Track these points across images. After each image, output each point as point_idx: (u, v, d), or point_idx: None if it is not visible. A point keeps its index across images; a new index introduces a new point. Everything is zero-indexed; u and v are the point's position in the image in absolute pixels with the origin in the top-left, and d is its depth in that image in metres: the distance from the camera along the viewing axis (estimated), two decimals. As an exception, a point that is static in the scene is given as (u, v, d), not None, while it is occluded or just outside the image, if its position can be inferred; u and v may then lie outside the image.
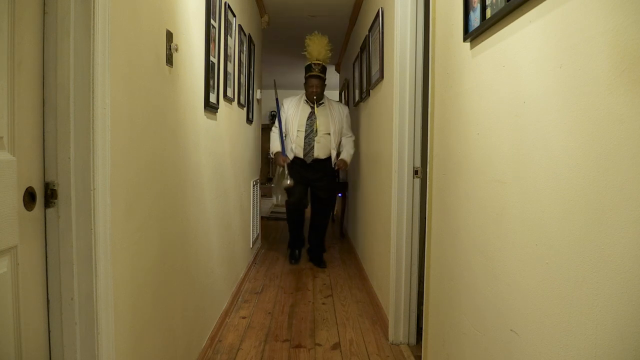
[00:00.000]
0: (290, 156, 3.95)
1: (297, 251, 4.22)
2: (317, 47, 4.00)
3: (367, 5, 3.71)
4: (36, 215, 1.08)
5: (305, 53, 4.05)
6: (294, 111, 3.98)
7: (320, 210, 4.16)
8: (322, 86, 3.98)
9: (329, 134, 3.94)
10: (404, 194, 2.39)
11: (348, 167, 4.07)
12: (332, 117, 3.97)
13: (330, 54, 4.07)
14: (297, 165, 3.98)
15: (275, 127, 4.05)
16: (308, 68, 4.00)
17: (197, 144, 2.14)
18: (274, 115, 4.34)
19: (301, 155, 3.95)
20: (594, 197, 0.78)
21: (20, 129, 1.02)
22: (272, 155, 4.07)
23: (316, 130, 3.92)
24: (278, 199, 4.23)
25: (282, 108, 4.06)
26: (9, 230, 0.98)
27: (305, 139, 3.94)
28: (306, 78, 4.00)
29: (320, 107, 3.99)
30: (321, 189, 4.04)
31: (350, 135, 4.07)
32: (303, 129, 3.94)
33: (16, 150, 1.01)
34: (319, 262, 4.09)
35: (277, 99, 4.20)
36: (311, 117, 3.96)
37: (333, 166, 3.95)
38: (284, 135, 4.00)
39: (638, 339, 0.69)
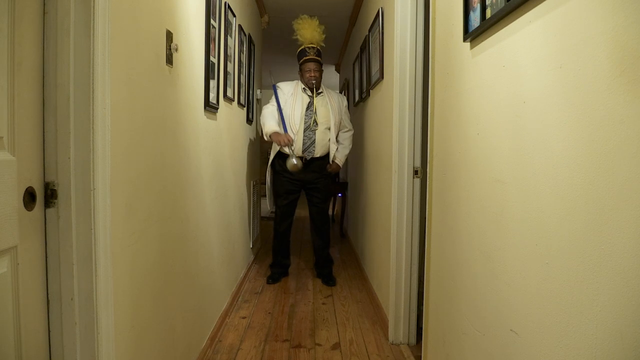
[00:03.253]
0: (288, 151, 3.36)
1: (277, 274, 3.63)
2: (310, 30, 3.52)
3: (367, 5, 3.71)
4: (36, 215, 1.08)
5: (297, 37, 3.57)
6: (292, 100, 3.44)
7: (319, 217, 3.61)
8: (320, 71, 3.49)
9: (329, 128, 3.46)
10: (404, 194, 2.39)
11: (340, 169, 3.67)
12: (332, 108, 3.48)
13: (323, 36, 3.58)
14: (286, 172, 3.41)
15: (272, 105, 3.46)
16: (302, 53, 3.51)
17: (197, 144, 2.14)
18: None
19: (299, 152, 3.41)
20: (594, 197, 0.78)
21: (20, 129, 1.02)
22: (267, 137, 3.38)
23: (316, 124, 3.42)
24: (271, 206, 3.64)
25: (280, 91, 3.49)
26: (9, 230, 0.98)
27: (305, 132, 3.41)
28: (301, 64, 3.50)
29: (319, 96, 3.48)
30: (317, 193, 3.54)
31: (348, 129, 3.63)
32: (302, 120, 3.42)
33: (16, 150, 1.01)
34: (328, 278, 3.58)
35: (274, 85, 3.60)
36: (310, 107, 3.44)
37: (330, 163, 3.53)
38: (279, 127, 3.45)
39: (638, 338, 0.69)
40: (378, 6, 3.02)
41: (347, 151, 3.62)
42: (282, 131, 3.37)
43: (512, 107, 1.10)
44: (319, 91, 3.50)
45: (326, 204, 3.66)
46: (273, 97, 3.51)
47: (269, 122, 3.37)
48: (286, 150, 3.34)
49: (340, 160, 3.57)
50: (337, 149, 3.55)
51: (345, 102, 3.66)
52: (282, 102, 3.44)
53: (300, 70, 3.53)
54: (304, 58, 3.48)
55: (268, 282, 3.53)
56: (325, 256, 3.65)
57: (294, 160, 3.27)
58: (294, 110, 3.41)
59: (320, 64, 3.51)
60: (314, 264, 3.80)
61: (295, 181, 3.47)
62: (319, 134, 3.43)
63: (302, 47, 3.54)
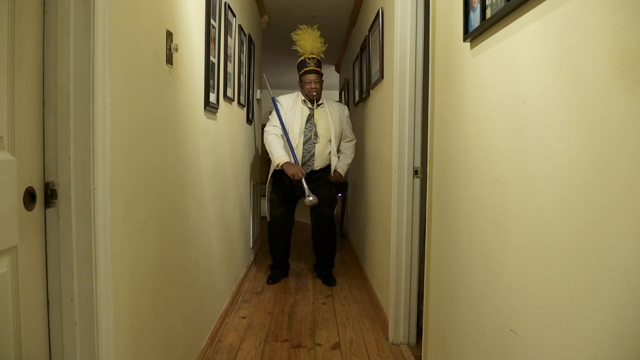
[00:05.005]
0: (304, 185, 3.32)
1: (277, 275, 3.60)
2: (310, 40, 3.49)
3: (367, 5, 3.71)
4: (36, 215, 1.08)
5: (297, 48, 3.54)
6: (291, 113, 3.41)
7: (322, 224, 3.55)
8: (321, 82, 3.45)
9: (330, 140, 3.44)
10: (404, 194, 2.39)
11: (342, 178, 3.61)
12: (333, 119, 3.45)
13: (324, 47, 3.55)
14: (287, 178, 3.37)
15: (274, 126, 3.39)
16: (302, 64, 3.47)
17: (197, 144, 2.14)
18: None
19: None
20: (593, 196, 0.78)
21: (20, 129, 1.02)
22: (278, 167, 3.31)
23: (316, 136, 3.39)
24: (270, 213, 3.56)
25: (279, 106, 3.46)
26: (9, 230, 0.98)
27: (304, 145, 3.39)
28: (301, 75, 3.46)
29: (320, 108, 3.46)
30: (320, 202, 3.41)
31: (350, 139, 3.60)
32: (302, 133, 3.40)
33: (16, 150, 1.01)
34: (328, 278, 3.57)
35: (273, 98, 3.54)
36: (310, 120, 3.41)
37: (331, 174, 3.50)
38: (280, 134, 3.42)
39: (638, 338, 0.69)
40: (378, 6, 3.02)
41: (349, 160, 3.56)
42: (291, 159, 3.34)
43: (512, 107, 1.10)
44: (319, 102, 3.46)
45: (330, 209, 3.55)
46: (274, 113, 3.43)
47: (278, 151, 3.30)
48: (303, 183, 3.27)
49: (342, 169, 3.51)
50: (339, 158, 3.52)
51: (347, 112, 3.60)
52: (282, 117, 3.40)
53: (301, 81, 3.48)
54: (305, 69, 3.43)
55: (268, 282, 3.52)
56: (327, 261, 3.64)
57: (311, 198, 3.25)
58: (293, 123, 3.37)
59: (321, 75, 3.46)
60: (314, 265, 3.80)
61: (294, 188, 3.41)
62: (319, 147, 3.39)
63: (302, 57, 3.48)
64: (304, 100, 3.46)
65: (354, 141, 3.63)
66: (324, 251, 3.62)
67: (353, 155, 3.61)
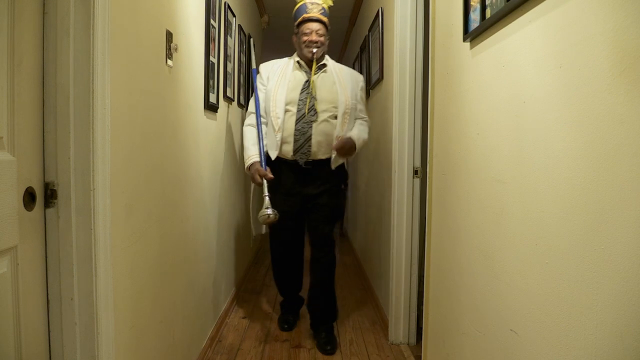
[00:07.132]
0: (273, 156, 2.36)
1: (291, 316, 2.68)
2: None
3: (367, 5, 3.71)
4: (36, 216, 1.08)
5: None
6: (278, 81, 2.36)
7: (320, 249, 2.53)
8: (326, 36, 2.38)
9: (336, 116, 2.35)
10: (404, 194, 2.39)
11: (352, 155, 2.43)
12: (342, 88, 2.37)
13: None
14: (282, 175, 2.37)
15: (252, 113, 2.43)
16: (301, 10, 2.40)
17: (197, 144, 2.14)
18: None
19: (289, 154, 2.35)
20: (593, 196, 0.78)
21: (20, 129, 1.02)
22: (246, 167, 2.39)
23: (315, 111, 2.33)
24: (256, 231, 2.62)
25: (258, 78, 2.45)
26: (9, 230, 0.98)
27: (297, 124, 2.32)
28: (298, 25, 2.41)
29: (321, 72, 2.40)
30: (318, 212, 2.43)
31: (363, 116, 2.50)
32: (294, 108, 2.33)
33: (16, 150, 1.01)
34: (325, 342, 2.38)
35: (254, 70, 2.55)
36: (307, 88, 2.35)
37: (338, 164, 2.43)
38: (263, 122, 2.41)
39: (638, 338, 0.69)
40: (378, 6, 3.02)
41: (365, 135, 2.46)
42: (261, 156, 2.36)
43: (512, 107, 1.10)
44: (321, 63, 2.41)
45: (329, 226, 2.52)
46: (253, 99, 2.46)
47: (250, 149, 2.39)
48: (264, 190, 2.29)
49: (356, 138, 2.38)
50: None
51: (362, 83, 2.52)
52: (261, 95, 2.43)
53: (297, 34, 2.44)
54: (303, 16, 2.38)
55: (283, 329, 2.63)
56: (323, 305, 2.51)
57: (269, 211, 2.21)
58: (277, 95, 2.35)
59: (327, 28, 2.41)
60: (310, 323, 2.59)
61: (292, 198, 2.41)
62: (318, 128, 2.33)
63: (302, 2, 2.44)
64: (298, 62, 2.43)
65: (369, 122, 2.55)
66: (317, 289, 2.58)
67: (367, 137, 2.50)
